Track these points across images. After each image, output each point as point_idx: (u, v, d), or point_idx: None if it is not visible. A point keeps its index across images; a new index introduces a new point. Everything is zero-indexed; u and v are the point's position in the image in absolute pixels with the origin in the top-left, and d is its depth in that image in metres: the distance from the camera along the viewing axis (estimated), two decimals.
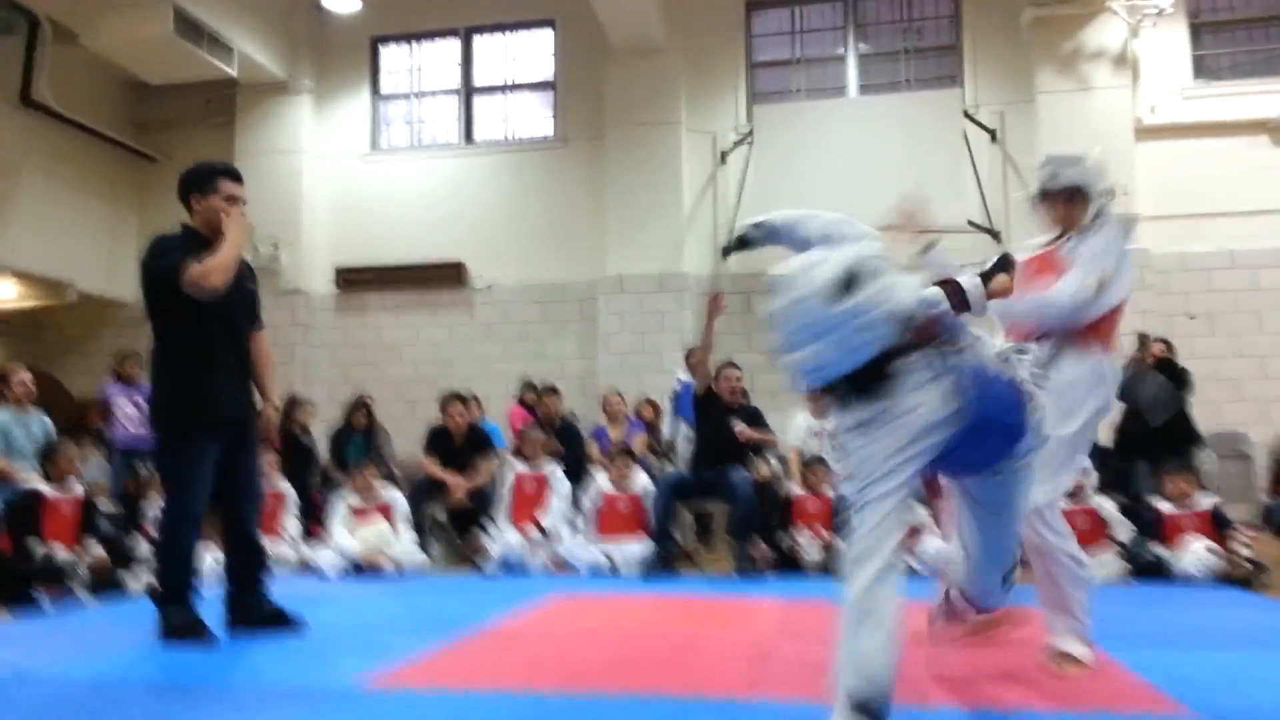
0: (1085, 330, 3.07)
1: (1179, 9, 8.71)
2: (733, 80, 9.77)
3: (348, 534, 6.05)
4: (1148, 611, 4.43)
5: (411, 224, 10.07)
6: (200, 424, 3.65)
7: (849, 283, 2.13)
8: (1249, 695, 2.83)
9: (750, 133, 9.31)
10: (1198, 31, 9.00)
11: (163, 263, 3.61)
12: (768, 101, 9.72)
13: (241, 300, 3.80)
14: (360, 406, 7.86)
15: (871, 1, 9.77)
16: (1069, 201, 3.19)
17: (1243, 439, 8.13)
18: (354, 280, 10.26)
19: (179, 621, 3.61)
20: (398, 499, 6.31)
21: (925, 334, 2.23)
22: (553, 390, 7.65)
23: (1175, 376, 6.65)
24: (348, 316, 10.28)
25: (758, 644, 3.63)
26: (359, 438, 7.68)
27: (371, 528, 6.06)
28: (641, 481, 6.26)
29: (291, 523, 6.48)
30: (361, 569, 5.87)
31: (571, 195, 9.88)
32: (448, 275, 9.83)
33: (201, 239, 3.68)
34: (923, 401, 2.19)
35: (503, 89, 10.59)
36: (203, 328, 3.65)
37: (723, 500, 6.16)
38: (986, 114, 9.03)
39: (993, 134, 8.97)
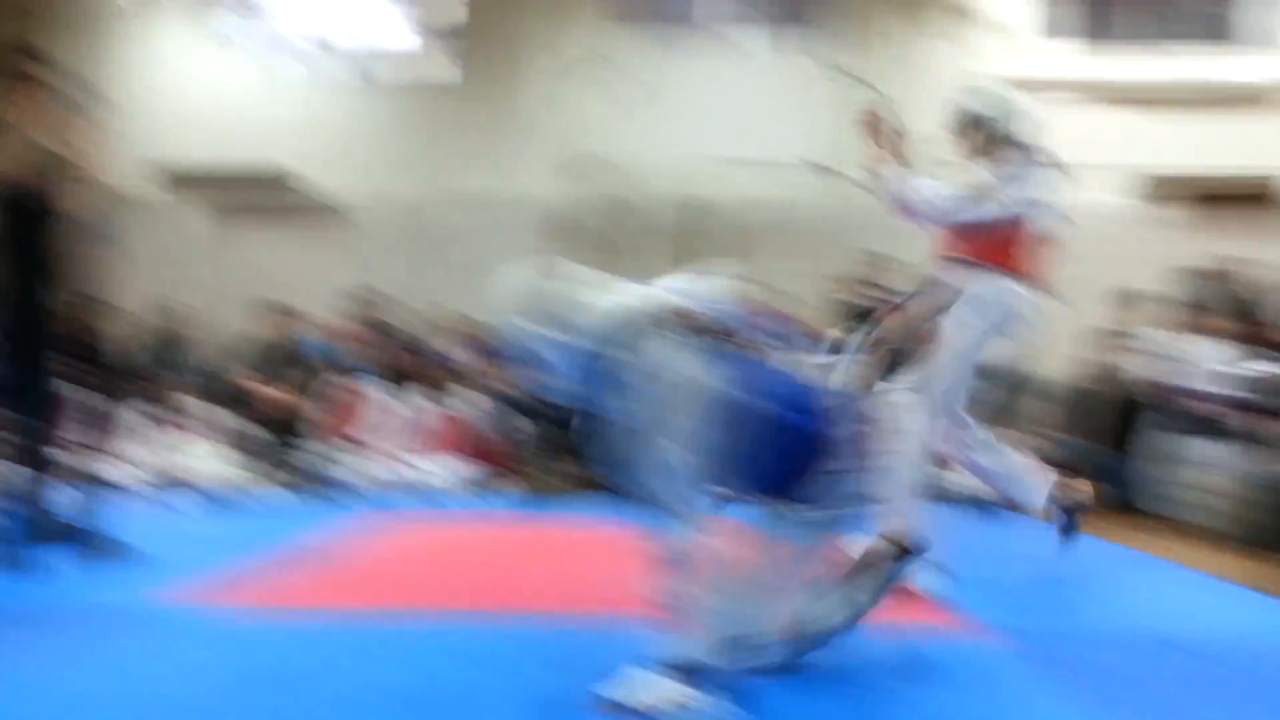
0: (979, 251, 3.28)
1: None
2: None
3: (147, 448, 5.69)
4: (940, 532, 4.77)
5: (237, 124, 9.39)
6: None
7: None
8: (1028, 607, 3.11)
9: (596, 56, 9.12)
10: None
11: None
12: (633, 24, 9.53)
13: None
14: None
15: None
16: (972, 131, 3.47)
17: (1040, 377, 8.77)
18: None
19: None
20: (206, 411, 5.97)
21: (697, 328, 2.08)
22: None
23: None
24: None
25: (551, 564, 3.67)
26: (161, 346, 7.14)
27: (174, 440, 5.73)
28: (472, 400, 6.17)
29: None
30: (161, 486, 5.53)
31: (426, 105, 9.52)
32: (275, 183, 9.25)
33: None
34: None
35: None
36: None
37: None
38: (848, 55, 9.18)
39: (846, 74, 9.09)
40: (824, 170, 9.00)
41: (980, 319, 3.23)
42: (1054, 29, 9.37)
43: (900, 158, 3.27)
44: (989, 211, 3.27)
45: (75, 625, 2.60)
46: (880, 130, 3.39)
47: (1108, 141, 8.99)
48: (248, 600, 2.93)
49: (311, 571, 3.41)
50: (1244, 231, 8.81)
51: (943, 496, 5.58)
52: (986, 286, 3.24)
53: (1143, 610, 3.18)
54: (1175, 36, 9.30)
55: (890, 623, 2.58)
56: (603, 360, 2.00)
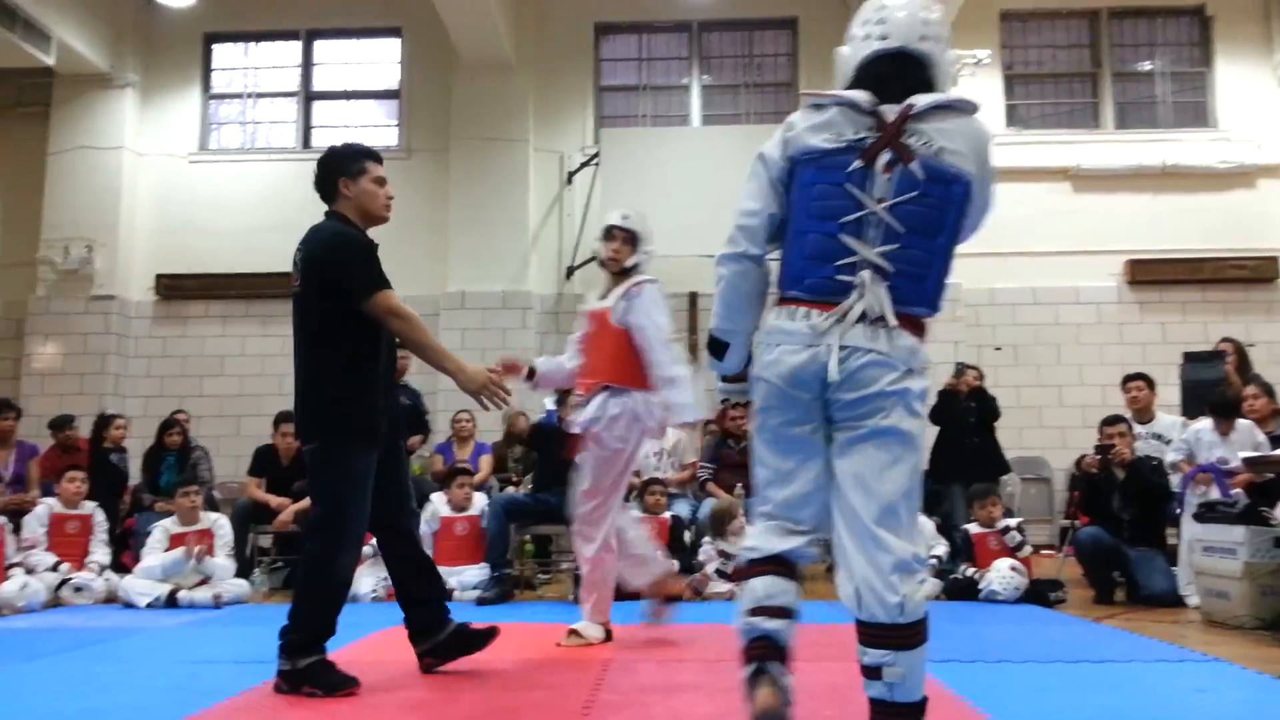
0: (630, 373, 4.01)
1: (995, 60, 9.36)
2: (581, 101, 9.84)
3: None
4: (958, 628, 4.71)
5: (241, 231, 9.58)
6: (373, 431, 3.31)
7: None
8: (1041, 701, 3.08)
9: (597, 154, 9.38)
10: (1010, 83, 9.71)
11: (370, 273, 3.38)
12: (615, 125, 9.85)
13: None
14: (173, 424, 7.33)
15: (715, 35, 10.08)
16: (628, 248, 4.12)
17: (1043, 464, 8.79)
18: (176, 288, 9.68)
19: (327, 681, 3.16)
20: (220, 523, 5.98)
21: None
22: None
23: (986, 404, 7.10)
24: (167, 326, 9.68)
25: (593, 673, 3.63)
26: (173, 458, 7.17)
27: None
28: (480, 504, 6.16)
29: (100, 549, 6.05)
30: (176, 600, 5.52)
31: (414, 208, 9.63)
32: (278, 285, 9.41)
33: (357, 227, 3.51)
34: None
35: (345, 95, 10.29)
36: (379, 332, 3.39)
37: (561, 524, 6.14)
38: None
39: None
40: None
41: (633, 430, 3.95)
42: (1019, 119, 9.66)
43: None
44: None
45: None
46: None
47: (1094, 228, 9.21)
48: None
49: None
50: (1237, 311, 8.95)
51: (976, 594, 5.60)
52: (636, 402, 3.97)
53: (1165, 703, 3.12)
54: (1148, 122, 9.59)
55: None
56: None
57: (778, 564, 2.14)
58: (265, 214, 9.53)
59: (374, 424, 3.32)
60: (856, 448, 2.06)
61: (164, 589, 5.52)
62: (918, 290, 2.08)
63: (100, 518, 6.13)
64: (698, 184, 9.10)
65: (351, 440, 3.27)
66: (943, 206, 2.09)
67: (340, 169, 3.53)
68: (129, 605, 5.52)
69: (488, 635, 3.49)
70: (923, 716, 2.07)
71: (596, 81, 9.97)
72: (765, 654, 2.09)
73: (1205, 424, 5.80)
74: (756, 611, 2.11)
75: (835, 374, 2.02)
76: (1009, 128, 9.58)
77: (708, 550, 6.01)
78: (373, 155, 3.61)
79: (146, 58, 9.92)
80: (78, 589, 5.72)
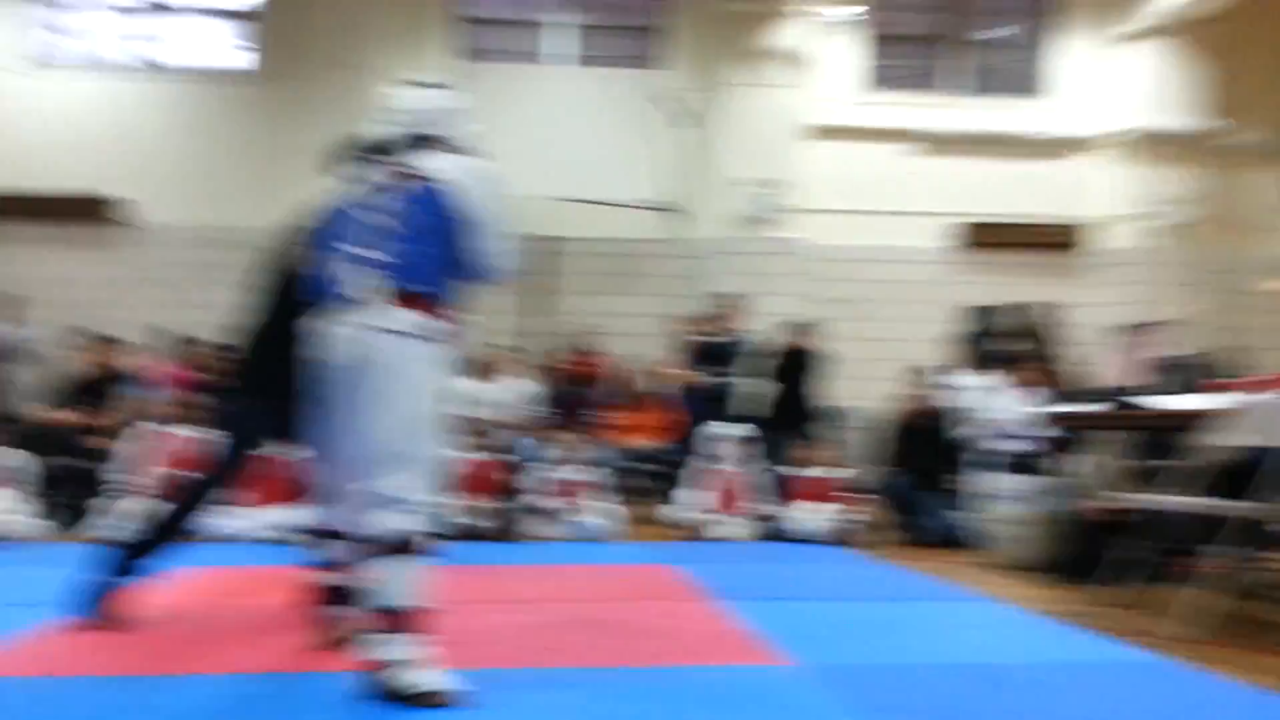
0: None
1: (858, 21, 9.59)
2: (439, 34, 9.44)
3: None
4: (767, 567, 4.96)
5: (59, 148, 8.76)
6: None
7: None
8: (839, 642, 3.27)
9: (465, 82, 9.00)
10: (874, 43, 9.88)
11: None
12: (474, 59, 9.48)
13: None
14: None
15: None
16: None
17: (855, 412, 9.23)
18: None
19: None
20: (19, 459, 5.51)
21: None
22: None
23: (798, 359, 7.35)
24: None
25: None
26: None
27: None
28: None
29: None
30: None
31: (257, 136, 9.09)
32: (94, 209, 8.72)
33: None
34: None
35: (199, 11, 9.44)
36: None
37: None
38: (677, 99, 9.42)
39: (681, 118, 9.38)
40: (668, 211, 9.33)
41: None
42: (879, 80, 9.99)
43: None
44: None
45: None
46: None
47: (925, 189, 9.65)
48: (33, 668, 2.72)
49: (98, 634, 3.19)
50: (1052, 275, 9.63)
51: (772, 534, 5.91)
52: None
53: (951, 641, 3.40)
54: (990, 90, 10.08)
55: (700, 661, 2.68)
56: None
57: None
58: (102, 132, 8.76)
59: None
60: (366, 401, 2.59)
61: None
62: (415, 274, 2.63)
63: None
64: (552, 125, 9.01)
65: None
66: (431, 213, 2.68)
67: None
68: None
69: None
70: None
71: (454, 11, 9.55)
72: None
73: (993, 377, 6.29)
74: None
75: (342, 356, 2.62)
76: (869, 88, 9.77)
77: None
78: None
79: None
80: None
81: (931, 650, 3.22)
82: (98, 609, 3.22)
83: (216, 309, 8.24)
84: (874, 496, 6.44)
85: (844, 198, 9.44)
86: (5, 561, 4.72)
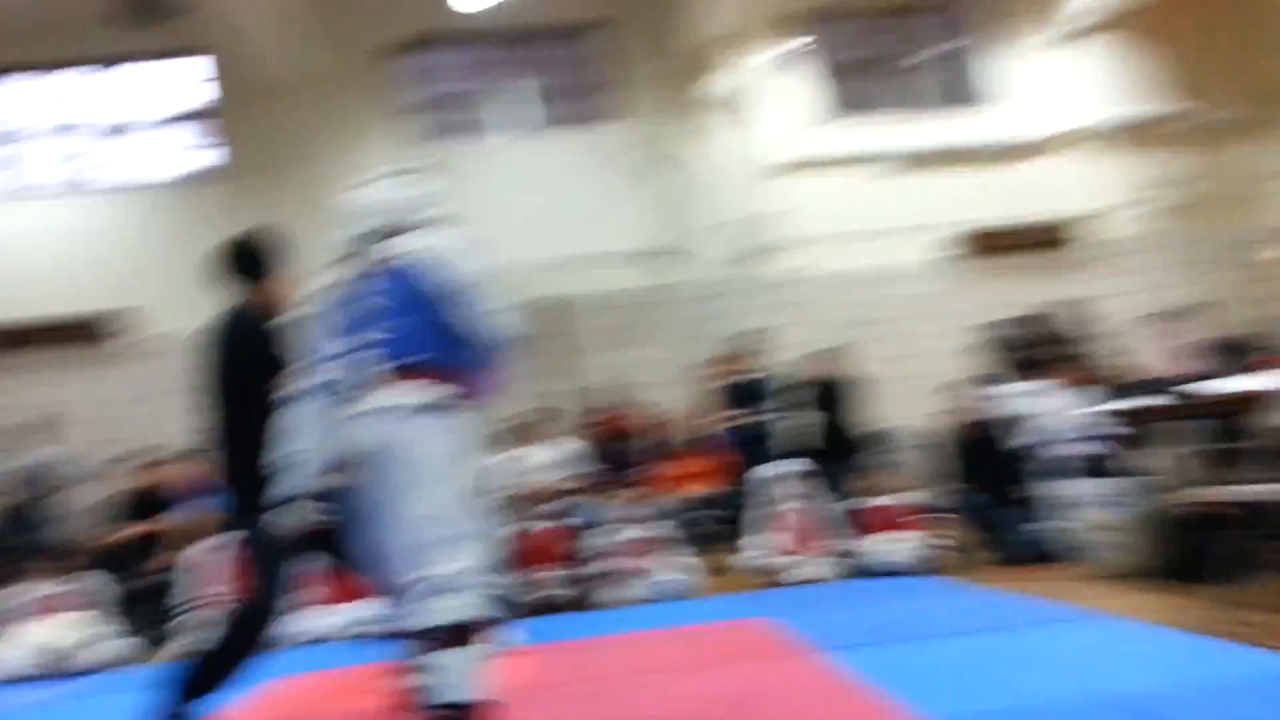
0: None
1: (813, 52, 9.68)
2: (398, 119, 9.54)
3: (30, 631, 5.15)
4: (864, 609, 4.78)
5: (42, 275, 8.92)
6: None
7: None
8: (960, 679, 3.11)
9: (437, 164, 9.01)
10: (832, 72, 9.97)
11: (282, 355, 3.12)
12: (457, 135, 9.54)
13: None
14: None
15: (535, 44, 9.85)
16: None
17: (903, 433, 9.08)
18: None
19: None
20: (95, 582, 5.48)
21: None
22: None
23: (833, 389, 7.21)
24: None
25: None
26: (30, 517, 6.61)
27: (61, 621, 5.19)
28: None
29: None
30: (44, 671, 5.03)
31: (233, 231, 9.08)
32: (87, 331, 8.84)
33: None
34: None
35: (137, 126, 9.56)
36: None
37: None
38: (659, 145, 9.44)
39: (670, 162, 9.40)
40: (666, 255, 9.33)
41: None
42: (840, 106, 9.97)
43: None
44: None
45: None
46: None
47: (911, 206, 9.60)
48: None
49: None
50: (1058, 273, 9.53)
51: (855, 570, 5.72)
52: None
53: (1086, 669, 3.22)
54: (951, 102, 10.08)
55: None
56: None
57: None
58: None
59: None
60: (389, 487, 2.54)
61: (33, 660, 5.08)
62: (411, 345, 2.62)
63: None
64: (530, 192, 9.05)
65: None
66: (415, 285, 2.69)
67: (275, 256, 3.42)
68: None
69: None
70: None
71: (412, 98, 9.62)
72: None
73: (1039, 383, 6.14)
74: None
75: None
76: (835, 115, 9.85)
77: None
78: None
79: None
80: None
81: (1069, 683, 3.04)
82: None
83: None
84: (951, 517, 6.26)
85: (834, 223, 9.46)
86: (99, 690, 4.62)
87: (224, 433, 3.23)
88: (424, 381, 2.51)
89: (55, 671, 5.07)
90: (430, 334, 2.58)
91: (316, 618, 5.53)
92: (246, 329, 3.25)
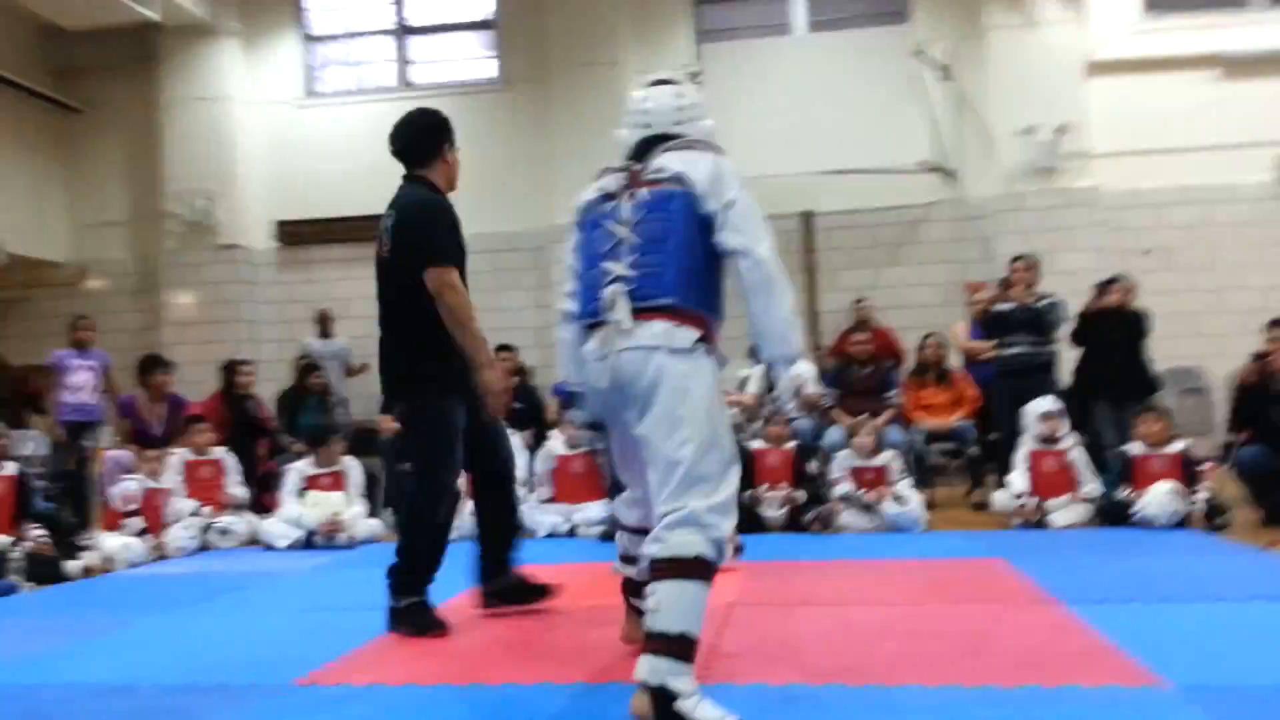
0: None
1: None
2: (679, 18, 9.40)
3: (298, 504, 5.85)
4: (1112, 561, 4.39)
5: (351, 173, 9.48)
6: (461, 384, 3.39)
7: None
8: (1212, 651, 2.78)
9: (699, 72, 8.95)
10: None
11: (448, 244, 3.42)
12: (716, 40, 9.37)
13: None
14: (313, 369, 7.57)
15: None
16: None
17: (1198, 374, 8.12)
18: (296, 234, 9.79)
19: (421, 622, 3.37)
20: (352, 466, 6.12)
21: None
22: (505, 348, 7.36)
23: (1132, 323, 6.49)
24: (291, 272, 9.85)
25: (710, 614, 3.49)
26: (314, 401, 7.39)
27: (325, 496, 5.87)
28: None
29: (238, 490, 6.27)
30: (313, 541, 5.68)
31: (515, 141, 9.48)
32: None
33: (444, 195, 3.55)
34: None
35: (439, 29, 10.09)
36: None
37: None
38: (938, 51, 8.77)
39: (944, 70, 8.72)
40: (937, 171, 8.72)
41: None
42: (1159, 4, 8.74)
43: None
44: None
45: (218, 707, 2.62)
46: None
47: (1233, 119, 8.33)
48: (387, 675, 2.88)
49: (445, 640, 3.35)
50: None
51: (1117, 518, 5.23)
52: None
53: None
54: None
55: (1042, 681, 2.34)
56: None
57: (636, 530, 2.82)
58: (373, 155, 9.46)
59: (462, 378, 3.37)
60: (646, 423, 2.46)
61: (301, 532, 5.72)
62: (657, 285, 2.50)
63: (231, 462, 6.34)
64: (805, 95, 8.72)
65: (442, 396, 3.41)
66: (667, 219, 2.53)
67: (445, 133, 3.63)
68: (269, 547, 5.73)
69: (543, 590, 3.66)
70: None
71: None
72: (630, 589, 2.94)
73: None
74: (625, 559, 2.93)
75: (606, 379, 2.54)
76: (1148, 13, 8.73)
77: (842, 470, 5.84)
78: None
79: (244, 4, 9.92)
80: (223, 532, 5.95)
81: None
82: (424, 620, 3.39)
83: (505, 312, 8.95)
84: (1227, 470, 5.57)
85: (1139, 137, 8.42)
86: (353, 563, 5.20)
87: (401, 314, 3.45)
88: (678, 323, 2.47)
89: (318, 544, 5.67)
90: (684, 276, 2.51)
91: (553, 513, 5.90)
92: (425, 207, 3.44)
